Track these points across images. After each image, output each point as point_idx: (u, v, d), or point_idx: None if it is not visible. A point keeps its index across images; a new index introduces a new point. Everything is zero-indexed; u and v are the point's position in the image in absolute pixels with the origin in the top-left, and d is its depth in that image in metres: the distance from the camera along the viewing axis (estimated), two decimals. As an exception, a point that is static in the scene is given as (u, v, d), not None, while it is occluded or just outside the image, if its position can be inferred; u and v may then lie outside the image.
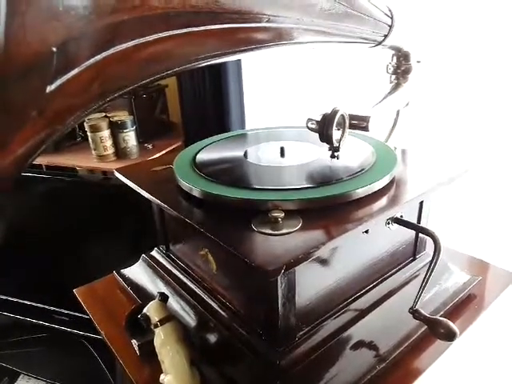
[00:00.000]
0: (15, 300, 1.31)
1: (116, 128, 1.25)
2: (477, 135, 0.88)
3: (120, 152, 1.28)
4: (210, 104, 1.33)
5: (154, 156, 1.31)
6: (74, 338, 1.25)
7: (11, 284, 1.34)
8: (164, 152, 1.36)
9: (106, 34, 0.24)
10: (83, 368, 1.22)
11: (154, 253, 0.66)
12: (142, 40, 0.28)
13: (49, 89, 0.21)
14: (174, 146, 1.41)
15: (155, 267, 0.64)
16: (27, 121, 0.20)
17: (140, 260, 0.68)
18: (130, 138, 1.28)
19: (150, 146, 1.38)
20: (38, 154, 0.25)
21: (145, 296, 0.62)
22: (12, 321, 1.32)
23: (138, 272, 0.66)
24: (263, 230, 0.42)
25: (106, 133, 1.23)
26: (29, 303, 1.32)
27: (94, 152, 1.27)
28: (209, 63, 0.41)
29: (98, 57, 0.25)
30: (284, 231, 0.41)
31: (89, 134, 1.24)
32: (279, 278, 0.40)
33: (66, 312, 1.27)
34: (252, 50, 0.44)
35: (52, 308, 1.28)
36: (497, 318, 0.64)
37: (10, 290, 1.33)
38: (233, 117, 1.30)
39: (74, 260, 1.26)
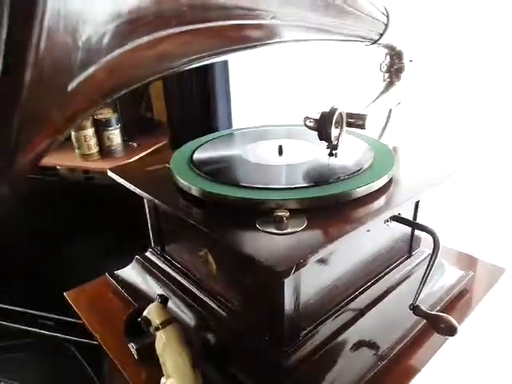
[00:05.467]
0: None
1: (100, 126, 1.22)
2: (465, 133, 0.90)
3: (104, 151, 1.25)
4: (197, 101, 1.31)
5: (140, 154, 1.29)
6: (59, 343, 1.21)
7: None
8: (150, 150, 1.34)
9: (123, 29, 0.23)
10: (69, 373, 1.19)
11: (148, 254, 0.65)
12: (155, 35, 0.28)
13: (70, 87, 0.20)
14: (159, 145, 1.39)
15: (150, 268, 0.63)
16: (50, 120, 0.19)
17: (133, 261, 0.66)
18: (115, 136, 1.25)
19: (134, 145, 1.35)
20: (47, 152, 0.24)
21: (140, 298, 0.60)
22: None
23: (131, 273, 0.65)
24: (268, 230, 0.41)
25: (90, 131, 1.20)
26: (10, 308, 1.28)
27: (77, 151, 1.23)
28: (211, 61, 0.40)
29: (115, 52, 0.24)
30: (289, 230, 0.41)
31: (72, 132, 1.20)
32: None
33: (51, 316, 1.23)
34: (252, 47, 0.43)
35: (35, 312, 1.25)
36: (489, 312, 0.66)
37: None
38: (220, 115, 1.29)
39: (56, 262, 1.23)
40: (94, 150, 1.23)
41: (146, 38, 0.27)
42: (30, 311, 1.27)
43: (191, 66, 0.37)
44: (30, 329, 1.23)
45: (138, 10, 0.23)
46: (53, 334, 1.21)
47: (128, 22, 0.23)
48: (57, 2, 0.14)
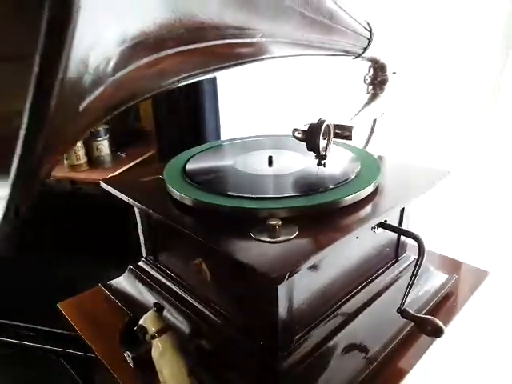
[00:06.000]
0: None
1: (89, 137, 1.23)
2: (448, 140, 0.94)
3: (93, 161, 1.26)
4: (184, 111, 1.33)
5: (129, 165, 1.30)
6: (48, 356, 1.19)
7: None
8: (138, 161, 1.35)
9: (129, 53, 0.25)
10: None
11: (142, 263, 0.66)
12: (154, 57, 0.29)
13: (82, 107, 0.21)
14: (147, 155, 1.40)
15: (143, 278, 0.64)
16: (65, 139, 0.20)
17: (126, 271, 0.67)
18: (103, 146, 1.26)
19: (122, 155, 1.36)
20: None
21: (134, 307, 0.61)
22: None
23: (125, 283, 0.66)
24: (262, 238, 0.43)
25: (78, 142, 1.21)
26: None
27: (65, 161, 1.23)
28: (206, 76, 0.42)
29: (119, 74, 0.26)
30: (282, 239, 0.43)
31: (60, 143, 1.20)
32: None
33: (32, 327, 1.21)
34: (242, 64, 0.45)
35: (14, 323, 1.22)
36: (474, 314, 0.68)
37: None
38: (208, 126, 1.31)
39: (43, 273, 1.21)
40: (83, 160, 1.24)
41: (146, 59, 0.28)
42: (8, 322, 1.24)
43: (187, 82, 0.39)
44: (13, 340, 1.20)
45: (141, 36, 0.25)
46: (35, 345, 1.19)
47: (131, 47, 0.25)
48: (79, 40, 0.16)
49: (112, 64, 0.24)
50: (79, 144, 1.20)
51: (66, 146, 0.23)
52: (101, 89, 0.24)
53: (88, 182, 1.23)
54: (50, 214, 1.23)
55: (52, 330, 1.14)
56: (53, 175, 1.30)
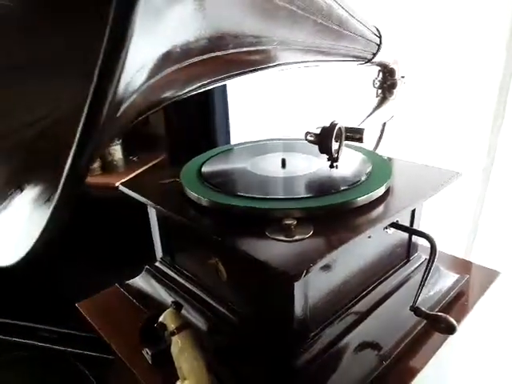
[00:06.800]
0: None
1: (102, 142, 1.25)
2: (457, 141, 0.95)
3: (106, 166, 1.28)
4: (195, 116, 1.34)
5: (141, 169, 1.32)
6: (58, 356, 1.22)
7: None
8: (150, 165, 1.37)
9: (159, 64, 0.27)
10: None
11: (158, 264, 0.68)
12: (180, 65, 0.31)
13: (118, 113, 0.23)
14: (159, 159, 1.42)
15: (160, 277, 0.66)
16: (101, 146, 0.22)
17: (143, 271, 0.69)
18: (116, 151, 1.28)
19: (135, 159, 1.39)
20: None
21: (151, 306, 0.63)
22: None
23: (141, 283, 0.68)
24: (277, 237, 0.44)
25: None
26: (7, 321, 1.28)
27: (79, 166, 1.26)
28: (222, 82, 0.44)
29: (150, 82, 0.27)
30: (297, 238, 0.44)
31: (74, 148, 1.23)
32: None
33: (49, 328, 1.24)
34: (258, 70, 0.47)
35: (33, 325, 1.25)
36: (485, 313, 0.69)
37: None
38: (218, 129, 1.32)
39: (57, 276, 1.24)
40: (96, 165, 1.26)
41: (173, 68, 0.30)
42: (31, 324, 1.27)
43: (206, 88, 0.41)
44: (28, 341, 1.23)
45: (172, 47, 0.27)
46: (52, 346, 1.21)
47: (162, 57, 0.27)
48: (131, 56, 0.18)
49: (145, 73, 0.25)
50: (93, 149, 1.23)
51: (99, 152, 0.24)
52: (134, 96, 0.25)
53: (101, 186, 1.26)
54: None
55: (68, 331, 1.16)
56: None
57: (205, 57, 0.35)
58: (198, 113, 1.32)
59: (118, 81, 0.17)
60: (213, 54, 0.36)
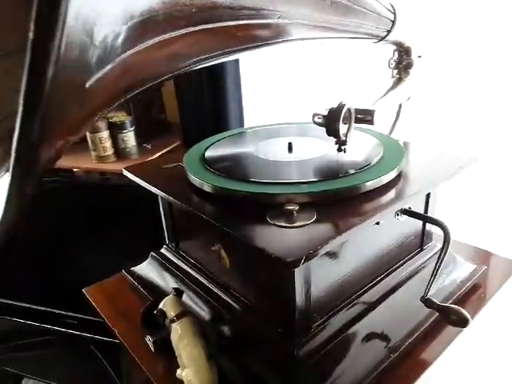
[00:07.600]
0: (18, 304, 1.30)
1: (115, 129, 1.25)
2: (475, 128, 0.90)
3: (120, 152, 1.28)
4: (208, 103, 1.33)
5: (155, 155, 1.32)
6: (79, 341, 1.24)
7: (12, 288, 1.33)
8: (163, 151, 1.36)
9: (135, 31, 0.25)
10: (88, 370, 1.21)
11: (164, 250, 0.67)
12: (165, 37, 0.29)
13: (88, 84, 0.21)
14: (172, 146, 1.41)
15: (165, 264, 0.65)
16: (69, 115, 0.20)
17: (149, 258, 0.68)
18: (129, 138, 1.28)
19: (148, 146, 1.38)
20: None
21: (156, 293, 0.62)
22: (13, 325, 1.31)
23: (147, 269, 0.67)
24: (279, 223, 0.42)
25: (105, 134, 1.23)
26: (33, 307, 1.31)
27: (93, 153, 1.26)
28: (218, 61, 0.42)
29: (128, 52, 0.25)
30: (299, 223, 0.42)
31: (88, 134, 1.23)
32: (297, 269, 0.41)
33: (71, 314, 1.26)
34: (259, 47, 0.44)
35: (57, 311, 1.28)
36: (503, 307, 0.65)
37: (12, 294, 1.32)
38: (231, 115, 1.31)
39: (73, 262, 1.26)
40: (110, 152, 1.26)
41: (156, 39, 0.28)
42: (51, 310, 1.29)
43: (201, 66, 0.39)
44: (52, 327, 1.25)
45: (149, 12, 0.25)
46: (74, 332, 1.23)
47: (139, 24, 0.25)
48: (76, 3, 0.16)
49: (120, 40, 0.23)
50: (105, 135, 1.22)
51: (72, 130, 0.23)
52: (109, 67, 0.24)
53: (115, 172, 1.26)
54: (79, 204, 1.27)
55: (81, 316, 1.18)
56: (81, 167, 1.34)
57: (194, 29, 0.32)
58: (211, 98, 1.31)
59: (62, 34, 0.15)
60: (204, 26, 0.33)
